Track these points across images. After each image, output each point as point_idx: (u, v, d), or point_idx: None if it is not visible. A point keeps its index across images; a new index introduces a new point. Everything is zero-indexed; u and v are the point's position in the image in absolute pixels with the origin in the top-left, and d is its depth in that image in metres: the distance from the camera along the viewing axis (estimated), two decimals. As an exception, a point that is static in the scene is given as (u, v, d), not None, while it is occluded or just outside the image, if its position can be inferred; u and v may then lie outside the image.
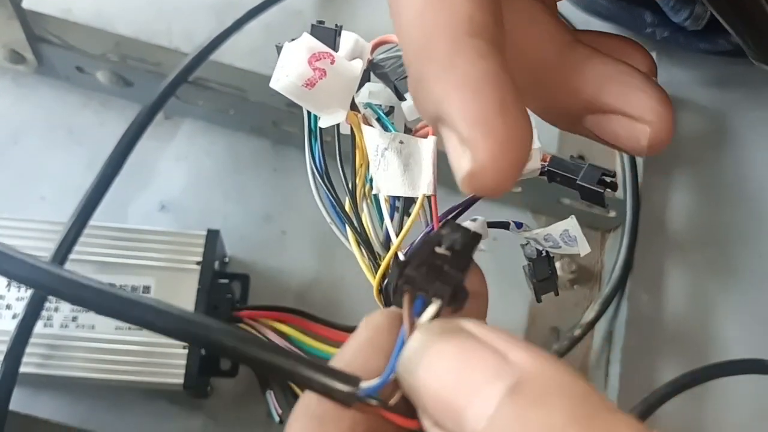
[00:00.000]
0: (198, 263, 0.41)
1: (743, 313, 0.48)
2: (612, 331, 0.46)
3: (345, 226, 0.25)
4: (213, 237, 0.42)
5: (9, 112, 0.48)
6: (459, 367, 0.15)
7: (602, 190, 0.23)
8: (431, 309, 0.18)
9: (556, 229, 0.24)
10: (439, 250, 0.18)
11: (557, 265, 0.48)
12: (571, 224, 0.24)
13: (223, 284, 0.42)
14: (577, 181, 0.24)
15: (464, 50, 0.16)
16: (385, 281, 0.24)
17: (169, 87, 0.43)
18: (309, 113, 0.25)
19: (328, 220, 0.25)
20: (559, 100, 0.19)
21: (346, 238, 0.25)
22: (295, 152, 0.49)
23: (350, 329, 0.44)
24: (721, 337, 0.47)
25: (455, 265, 0.18)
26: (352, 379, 0.17)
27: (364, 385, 0.17)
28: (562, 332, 0.46)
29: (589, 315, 0.45)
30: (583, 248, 0.24)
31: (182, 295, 0.41)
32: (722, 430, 0.46)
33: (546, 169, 0.24)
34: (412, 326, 0.18)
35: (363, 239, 0.24)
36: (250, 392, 0.44)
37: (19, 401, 0.37)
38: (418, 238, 0.23)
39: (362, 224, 0.24)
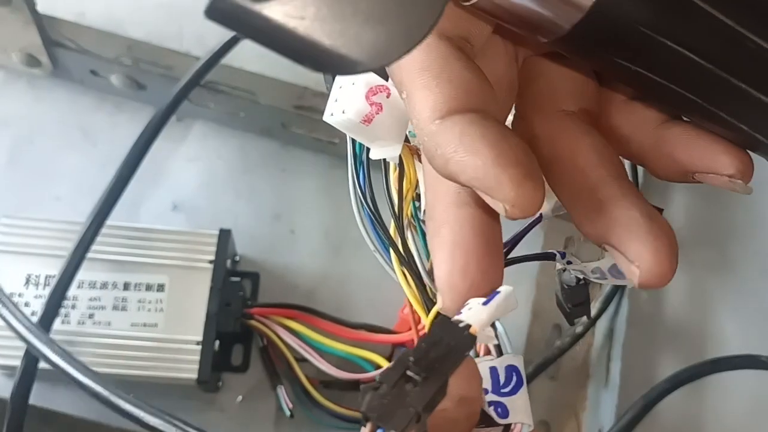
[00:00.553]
0: (211, 262, 0.43)
1: (741, 310, 0.50)
2: (613, 328, 0.47)
3: (389, 252, 0.25)
4: (225, 236, 0.43)
5: (24, 115, 0.50)
6: None
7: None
8: None
9: (605, 263, 0.25)
10: (410, 372, 0.18)
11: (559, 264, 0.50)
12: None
13: (235, 282, 0.44)
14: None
15: (448, 220, 0.22)
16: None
17: (182, 90, 0.44)
18: (354, 141, 0.25)
19: (372, 247, 0.26)
20: (664, 169, 0.23)
21: (391, 267, 0.26)
22: (303, 153, 0.50)
23: (358, 326, 0.45)
24: (720, 333, 0.49)
25: (422, 390, 0.18)
26: None
27: None
28: (564, 329, 0.47)
29: (591, 311, 0.46)
30: (632, 280, 0.25)
31: (196, 292, 0.42)
32: (721, 424, 0.47)
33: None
34: None
35: (407, 266, 0.25)
36: (260, 387, 0.45)
37: (38, 396, 0.39)
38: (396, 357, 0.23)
39: (408, 250, 0.25)
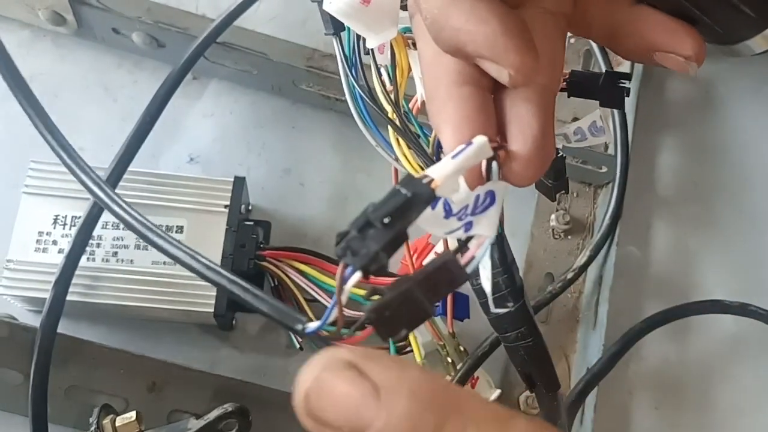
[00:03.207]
0: (226, 206, 0.46)
1: (723, 261, 0.53)
2: (601, 276, 0.50)
3: (391, 147, 0.28)
4: (239, 183, 0.46)
5: (49, 71, 0.53)
6: (343, 399, 0.19)
7: (624, 90, 0.27)
8: (352, 280, 0.20)
9: (585, 122, 0.28)
10: (371, 219, 0.21)
11: (552, 216, 0.53)
12: (597, 115, 0.28)
13: (249, 226, 0.47)
14: (599, 84, 0.27)
15: (452, 97, 0.24)
16: None
17: (199, 47, 0.47)
18: (341, 44, 0.28)
19: (373, 143, 0.28)
20: (631, 46, 0.26)
21: (393, 157, 0.28)
22: (312, 111, 0.53)
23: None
24: (701, 282, 0.52)
25: (381, 233, 0.20)
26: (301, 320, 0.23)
27: (310, 325, 0.22)
28: (556, 277, 0.50)
29: (581, 260, 0.49)
30: (608, 136, 0.27)
31: (212, 234, 0.45)
32: (699, 362, 0.50)
33: (567, 83, 0.28)
34: (339, 293, 0.21)
35: (403, 135, 0.27)
36: (271, 327, 0.48)
37: (63, 330, 0.42)
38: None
39: (409, 130, 0.27)
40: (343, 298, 0.21)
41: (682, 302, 0.50)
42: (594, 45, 0.51)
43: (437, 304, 0.22)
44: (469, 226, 0.23)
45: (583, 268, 0.49)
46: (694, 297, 0.51)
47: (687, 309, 0.49)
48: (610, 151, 0.52)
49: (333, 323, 0.22)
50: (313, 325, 0.22)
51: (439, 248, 0.42)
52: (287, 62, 0.50)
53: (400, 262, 0.49)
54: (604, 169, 0.52)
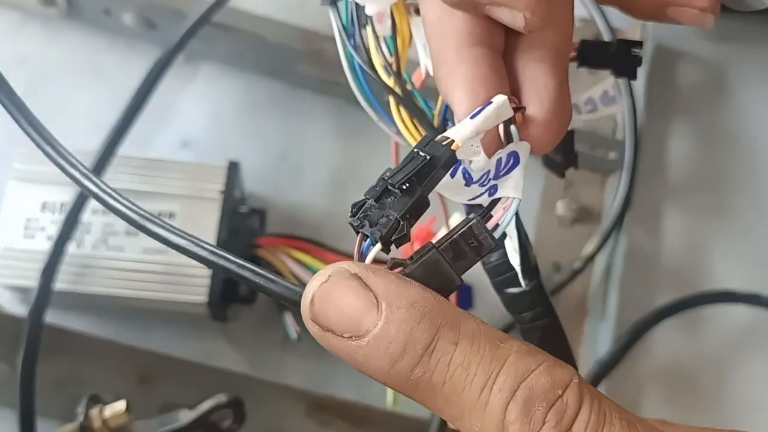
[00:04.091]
0: (220, 192, 0.44)
1: (735, 251, 0.51)
2: (610, 265, 0.48)
3: (391, 118, 0.27)
4: (234, 168, 0.45)
5: (39, 54, 0.51)
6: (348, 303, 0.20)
7: (637, 58, 0.26)
8: (372, 252, 0.20)
9: (596, 91, 0.26)
10: (390, 186, 0.19)
11: (559, 204, 0.51)
12: (609, 83, 0.26)
13: (244, 213, 0.45)
14: (611, 52, 0.26)
15: (464, 58, 0.23)
16: None
17: (192, 27, 0.45)
18: (339, 15, 0.27)
19: (375, 118, 0.27)
20: (643, 2, 0.25)
21: (394, 129, 0.27)
22: (309, 95, 0.52)
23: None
24: (712, 271, 0.50)
25: (400, 200, 0.19)
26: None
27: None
28: (563, 266, 0.49)
29: (589, 248, 0.47)
30: (619, 107, 0.26)
31: (205, 221, 0.43)
32: (710, 353, 0.49)
33: (578, 53, 0.27)
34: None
35: (404, 104, 0.26)
36: (266, 318, 0.47)
37: (52, 320, 0.40)
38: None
39: (410, 98, 0.26)
40: None
41: (693, 292, 0.48)
42: (594, 13, 0.50)
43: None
44: (494, 189, 0.21)
45: (591, 257, 0.47)
46: (705, 287, 0.49)
47: (698, 299, 0.48)
48: (619, 136, 0.50)
49: None
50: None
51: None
52: (284, 44, 0.49)
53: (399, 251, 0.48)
54: (613, 156, 0.50)
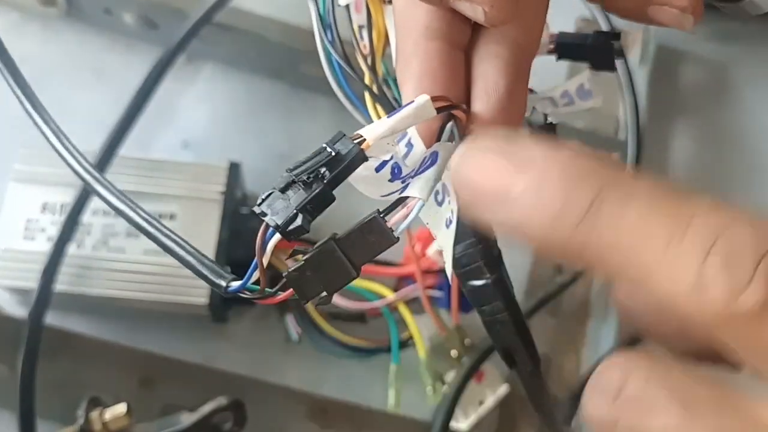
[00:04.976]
0: (221, 193, 0.44)
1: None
2: (613, 266, 0.48)
3: (366, 110, 0.26)
4: (235, 169, 0.44)
5: (39, 54, 0.51)
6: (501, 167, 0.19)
7: (612, 52, 0.25)
8: (272, 242, 0.20)
9: (572, 84, 0.26)
10: (294, 178, 0.20)
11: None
12: (585, 76, 0.26)
13: (245, 214, 0.45)
14: (587, 46, 0.26)
15: (419, 52, 0.23)
16: None
17: (193, 27, 0.45)
18: (317, 3, 0.26)
19: (350, 107, 0.27)
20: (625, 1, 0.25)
21: (369, 120, 0.26)
22: (312, 96, 0.51)
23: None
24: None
25: (301, 193, 0.20)
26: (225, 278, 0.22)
27: (234, 284, 0.22)
28: (566, 268, 0.48)
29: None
30: (597, 101, 0.26)
31: (206, 222, 0.43)
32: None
33: (555, 44, 0.26)
34: (261, 255, 0.21)
35: (380, 102, 0.26)
36: (268, 320, 0.46)
37: (52, 319, 0.40)
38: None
39: (383, 93, 0.26)
40: (264, 260, 0.20)
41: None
42: (596, 13, 0.49)
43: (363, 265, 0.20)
44: (404, 188, 0.21)
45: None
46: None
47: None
48: (621, 137, 0.50)
49: (257, 282, 0.21)
50: (236, 284, 0.22)
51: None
52: (286, 44, 0.48)
53: (403, 251, 0.47)
54: (615, 156, 0.50)
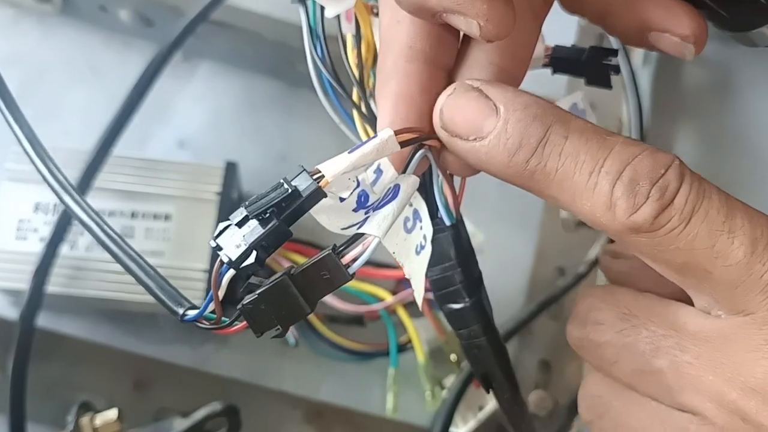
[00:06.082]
0: (217, 194, 0.43)
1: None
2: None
3: (353, 121, 0.26)
4: (232, 169, 0.44)
5: (34, 52, 0.50)
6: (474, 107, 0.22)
7: (608, 68, 0.25)
8: (226, 277, 0.20)
9: (565, 102, 0.26)
10: (248, 209, 0.20)
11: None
12: (579, 96, 0.25)
13: (241, 215, 0.44)
14: (582, 61, 0.25)
15: (397, 72, 0.23)
16: None
17: (189, 24, 0.44)
18: (307, 13, 0.26)
19: (337, 120, 0.26)
20: (625, 25, 0.25)
21: (356, 135, 0.26)
22: (309, 95, 0.50)
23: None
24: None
25: (255, 229, 0.20)
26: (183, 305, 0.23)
27: (190, 312, 0.22)
28: (567, 271, 0.48)
29: (593, 252, 0.46)
30: (591, 119, 0.25)
31: (202, 223, 0.42)
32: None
33: (550, 59, 0.26)
34: (216, 288, 0.20)
35: (370, 123, 0.25)
36: (265, 322, 0.46)
37: (44, 321, 0.39)
38: None
39: (371, 111, 0.25)
40: (220, 293, 0.21)
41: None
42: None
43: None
44: (363, 222, 0.21)
45: (596, 261, 0.46)
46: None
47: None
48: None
49: (213, 311, 0.21)
50: (192, 313, 0.22)
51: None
52: (283, 42, 0.48)
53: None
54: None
